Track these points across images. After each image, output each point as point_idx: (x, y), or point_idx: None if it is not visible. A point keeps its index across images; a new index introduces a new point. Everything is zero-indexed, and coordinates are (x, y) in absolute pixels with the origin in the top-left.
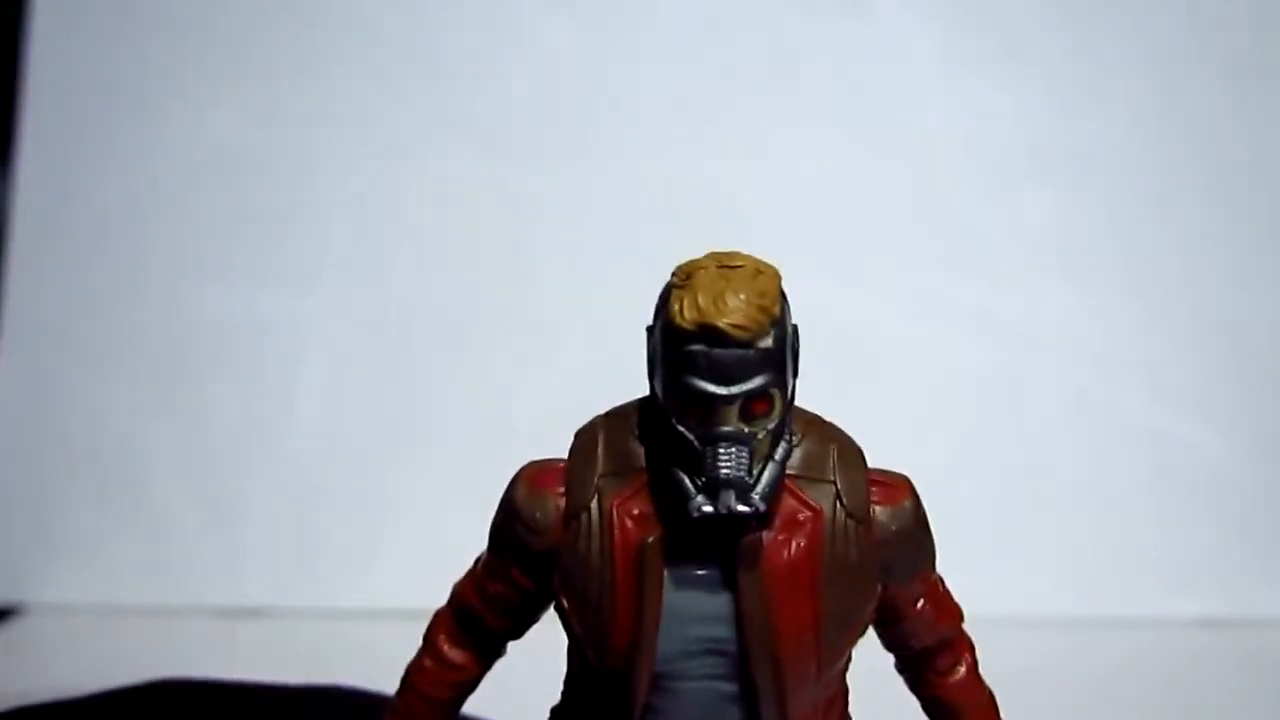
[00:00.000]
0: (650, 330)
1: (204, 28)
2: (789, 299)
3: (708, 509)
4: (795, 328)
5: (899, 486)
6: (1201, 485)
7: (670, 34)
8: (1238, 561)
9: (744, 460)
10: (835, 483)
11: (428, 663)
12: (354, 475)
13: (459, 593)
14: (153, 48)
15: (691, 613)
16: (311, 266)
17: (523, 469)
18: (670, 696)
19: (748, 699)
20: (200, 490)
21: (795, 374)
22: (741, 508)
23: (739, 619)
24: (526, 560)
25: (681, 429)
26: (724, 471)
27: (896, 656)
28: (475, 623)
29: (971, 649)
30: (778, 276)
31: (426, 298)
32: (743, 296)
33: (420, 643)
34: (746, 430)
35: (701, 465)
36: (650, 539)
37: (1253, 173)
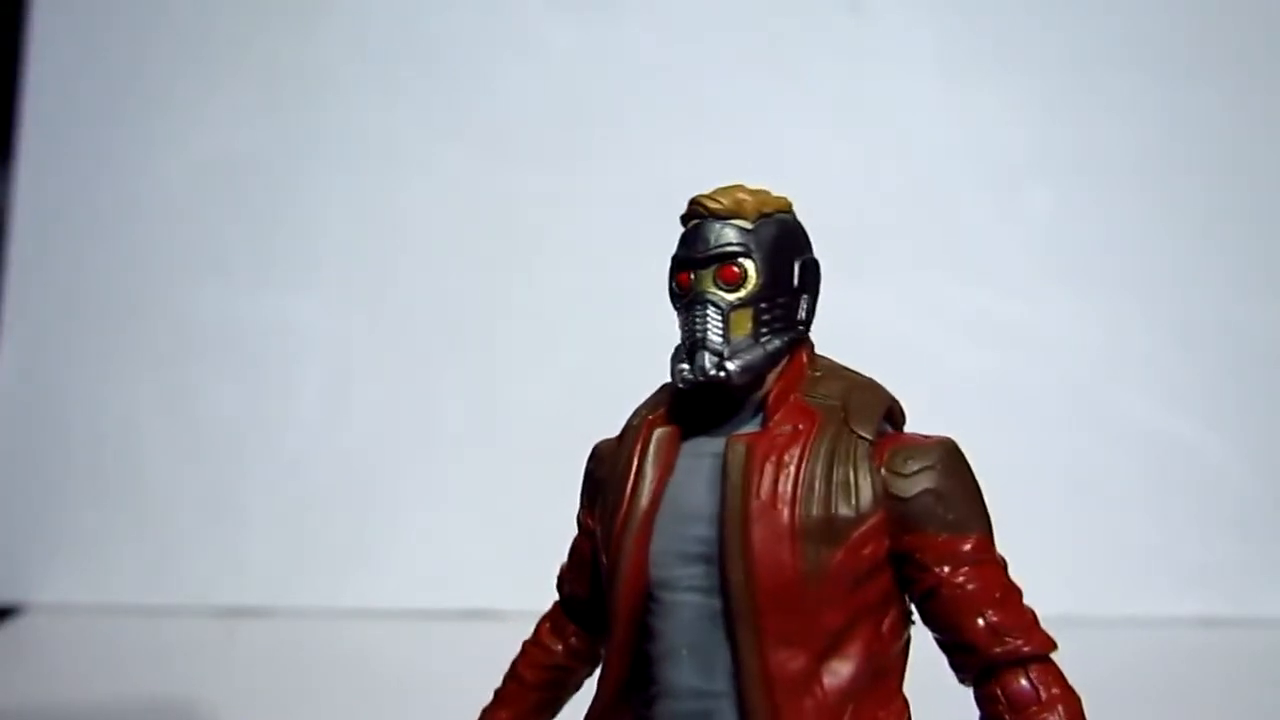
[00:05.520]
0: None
1: (204, 28)
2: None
3: (687, 375)
4: (814, 261)
5: (936, 437)
6: (1202, 486)
7: (669, 35)
8: (1238, 561)
9: (717, 323)
10: (841, 402)
11: (527, 645)
12: (354, 475)
13: (558, 574)
14: (153, 48)
15: (686, 509)
16: (311, 267)
17: None
18: (666, 614)
19: (726, 617)
20: (200, 490)
21: (810, 296)
22: (715, 373)
23: (720, 519)
24: (590, 496)
25: (676, 304)
26: (699, 333)
27: (971, 685)
28: (569, 598)
29: (1073, 703)
30: (787, 201)
31: (426, 298)
32: (734, 191)
33: None
34: (722, 295)
35: (684, 331)
36: (657, 432)
37: (1252, 176)
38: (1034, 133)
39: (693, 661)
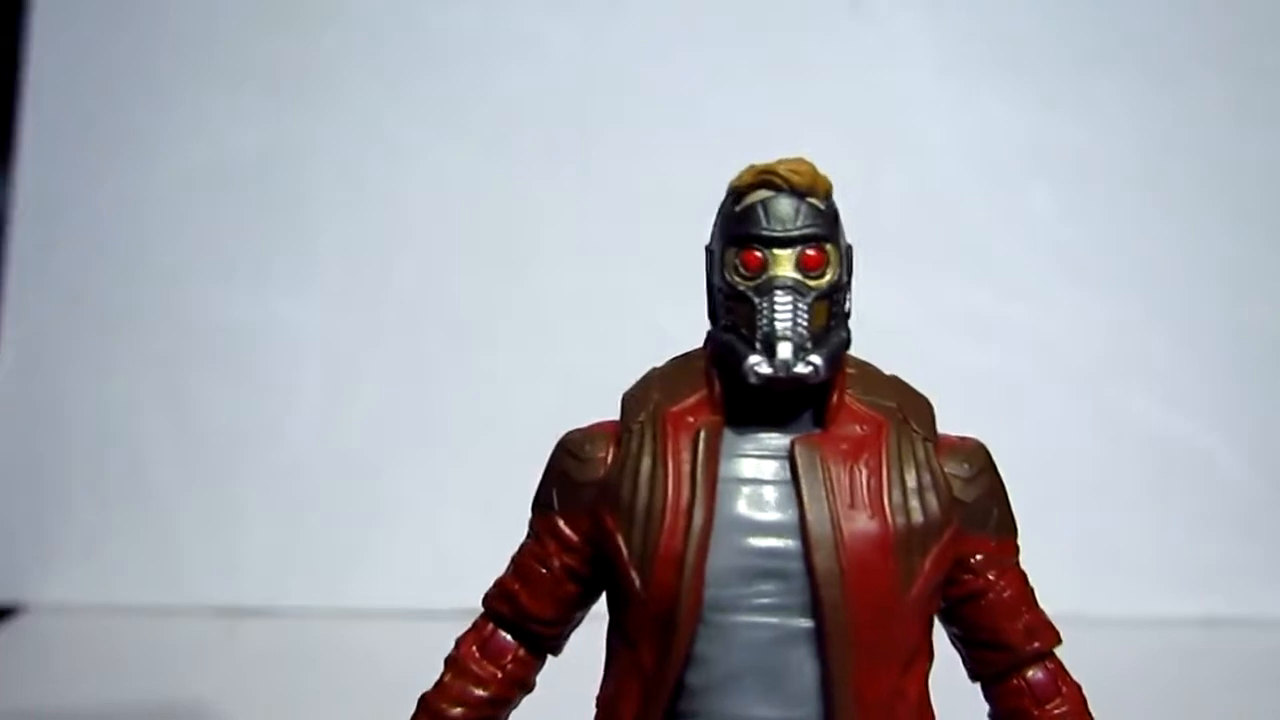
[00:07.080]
0: (708, 248)
1: (204, 27)
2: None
3: (765, 370)
4: (850, 247)
5: (972, 438)
6: (1203, 486)
7: (670, 34)
8: (1238, 561)
9: (802, 313)
10: (896, 403)
11: (446, 678)
12: (353, 475)
13: (491, 590)
14: (153, 48)
15: (748, 522)
16: (311, 267)
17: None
18: (720, 638)
19: (816, 638)
20: (200, 490)
21: (850, 285)
22: (800, 368)
23: (802, 530)
24: (572, 497)
25: (741, 286)
26: (780, 323)
27: (985, 680)
28: (518, 616)
29: (1081, 694)
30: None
31: (426, 298)
32: (805, 163)
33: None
34: (804, 282)
35: (758, 319)
36: (704, 431)
37: (1254, 175)
38: (1034, 133)
39: (760, 688)
